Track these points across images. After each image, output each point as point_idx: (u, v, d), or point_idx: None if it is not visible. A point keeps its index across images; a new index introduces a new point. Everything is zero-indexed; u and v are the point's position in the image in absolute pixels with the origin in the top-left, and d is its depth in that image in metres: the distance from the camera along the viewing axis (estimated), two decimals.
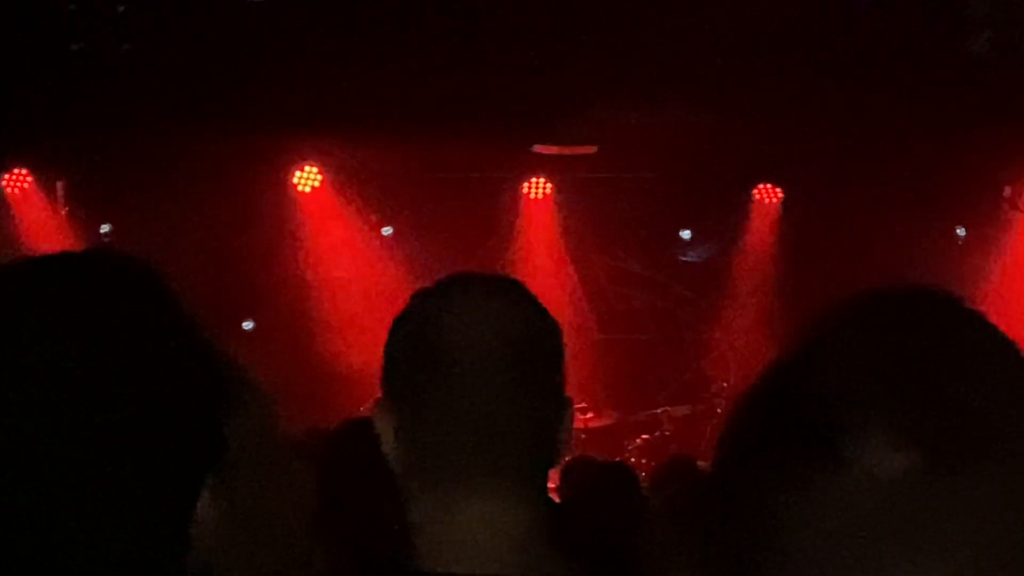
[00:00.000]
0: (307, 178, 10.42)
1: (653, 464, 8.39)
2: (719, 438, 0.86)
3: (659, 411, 10.13)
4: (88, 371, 1.26)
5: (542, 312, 1.87)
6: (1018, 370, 0.80)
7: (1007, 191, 10.45)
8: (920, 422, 0.76)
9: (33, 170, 10.03)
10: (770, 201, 10.70)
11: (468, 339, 1.79)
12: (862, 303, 0.83)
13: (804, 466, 0.77)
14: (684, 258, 10.79)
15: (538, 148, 10.18)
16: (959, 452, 0.76)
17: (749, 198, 10.72)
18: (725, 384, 10.22)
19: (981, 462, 0.76)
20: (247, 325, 9.90)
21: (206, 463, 1.32)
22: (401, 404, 1.83)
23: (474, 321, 1.81)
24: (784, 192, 10.65)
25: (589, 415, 9.75)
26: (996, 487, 0.75)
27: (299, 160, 10.37)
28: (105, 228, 9.83)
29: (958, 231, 10.51)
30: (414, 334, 1.83)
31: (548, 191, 10.63)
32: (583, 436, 9.37)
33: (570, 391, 1.88)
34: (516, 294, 1.88)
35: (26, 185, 10.05)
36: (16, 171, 10.03)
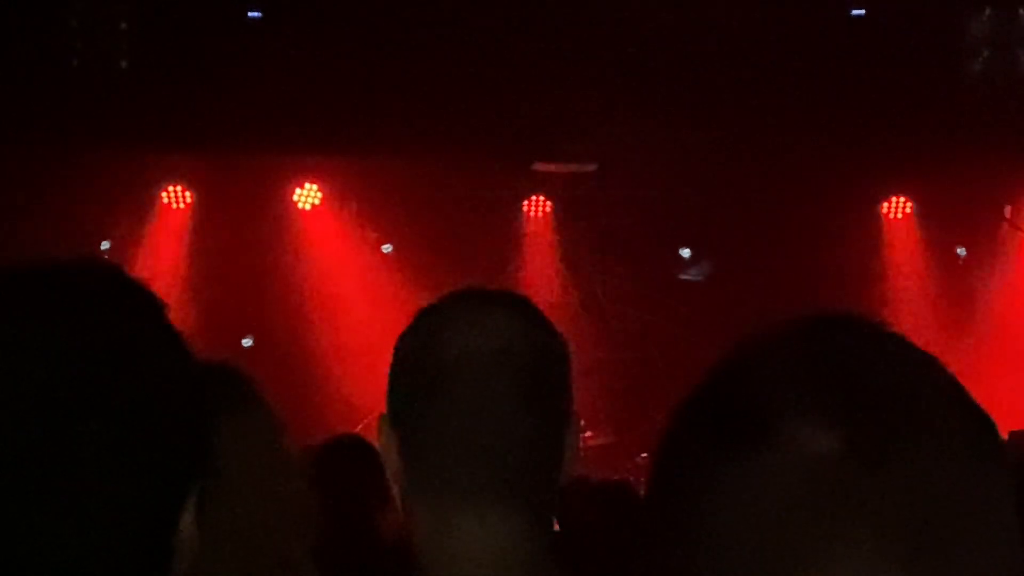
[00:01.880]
0: (307, 196, 10.42)
1: None
2: (665, 435, 0.93)
3: (659, 430, 10.11)
4: (72, 378, 1.25)
5: (548, 328, 1.85)
6: (931, 377, 0.88)
7: (1007, 210, 10.45)
8: (846, 407, 0.84)
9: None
10: (771, 218, 10.69)
11: (471, 356, 1.78)
12: (796, 322, 0.92)
13: (745, 449, 0.84)
14: (684, 276, 10.78)
15: (538, 166, 10.19)
16: (880, 434, 0.83)
17: (750, 215, 10.71)
18: None
19: (900, 445, 0.83)
20: (246, 342, 9.89)
21: (192, 476, 1.31)
22: (404, 421, 1.81)
23: (476, 335, 1.79)
24: (786, 209, 10.63)
25: (588, 433, 9.74)
26: (914, 471, 0.82)
27: (299, 178, 10.38)
28: (105, 245, 9.83)
29: (958, 251, 10.51)
30: (417, 350, 1.81)
31: (548, 209, 10.63)
32: (582, 454, 9.34)
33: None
34: (521, 310, 1.86)
35: None
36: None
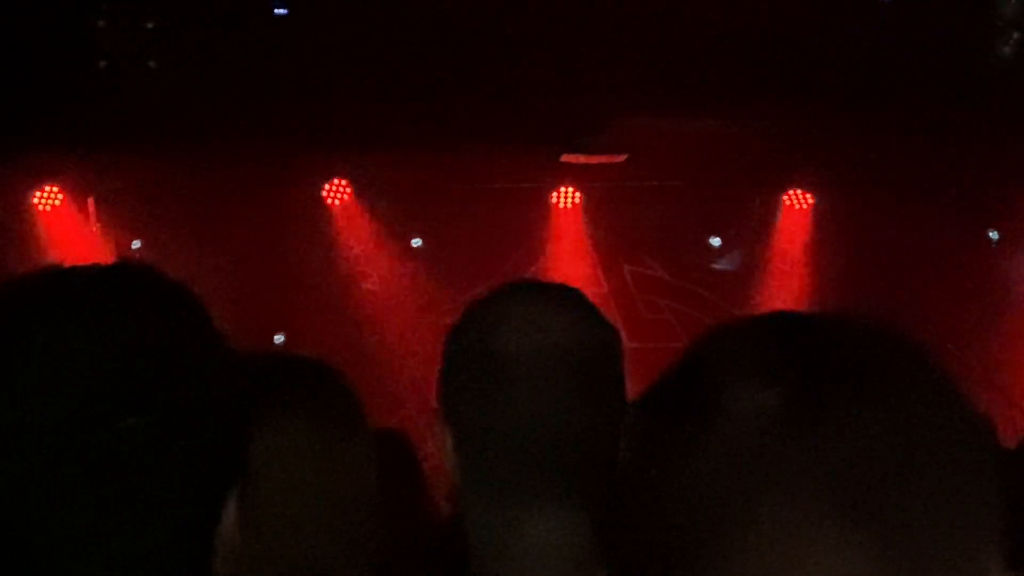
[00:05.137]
0: (336, 191, 10.44)
1: None
2: (638, 407, 1.00)
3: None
4: (112, 375, 1.25)
5: (601, 320, 1.84)
6: (898, 356, 0.93)
7: None
8: (788, 371, 0.90)
9: (64, 187, 10.08)
10: (800, 207, 10.66)
11: (527, 348, 1.76)
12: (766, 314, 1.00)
13: (699, 412, 0.91)
14: (714, 266, 10.75)
15: (566, 158, 10.17)
16: (819, 396, 0.88)
17: (779, 204, 10.69)
18: None
19: (841, 408, 0.87)
20: (278, 339, 9.91)
21: (234, 473, 1.31)
22: (459, 417, 1.80)
23: (532, 329, 1.78)
24: (814, 197, 10.61)
25: None
26: (854, 433, 0.86)
27: (328, 173, 10.39)
28: (136, 244, 9.86)
29: (991, 234, 10.45)
30: (471, 344, 1.80)
31: (577, 200, 10.62)
32: None
33: None
34: (573, 301, 1.85)
35: (57, 202, 10.10)
36: (47, 188, 10.08)
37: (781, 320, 0.96)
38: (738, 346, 0.93)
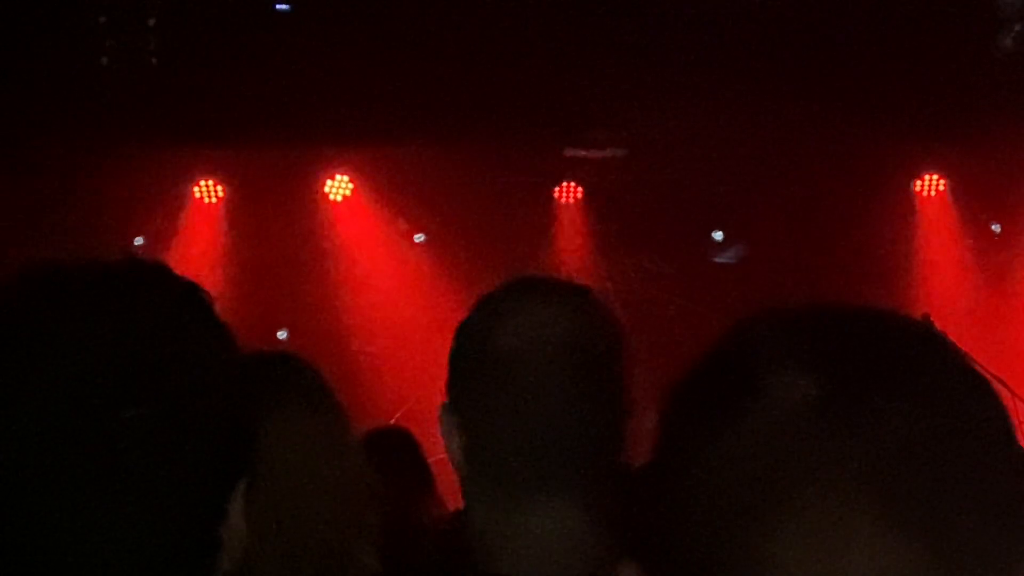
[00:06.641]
0: (338, 187, 10.44)
1: None
2: (667, 399, 0.98)
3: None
4: (116, 367, 1.26)
5: (607, 318, 1.86)
6: (923, 342, 0.93)
7: None
8: (827, 360, 0.90)
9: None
10: (802, 200, 10.65)
11: (532, 344, 1.78)
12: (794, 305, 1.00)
13: (735, 401, 0.91)
14: (717, 260, 10.75)
15: (569, 152, 10.17)
16: (858, 386, 0.88)
17: (781, 197, 10.67)
18: None
19: (879, 397, 0.88)
20: (281, 335, 9.92)
21: (239, 467, 1.32)
22: (465, 409, 1.82)
23: (539, 326, 1.79)
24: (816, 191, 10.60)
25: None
26: (893, 422, 0.87)
27: (330, 169, 10.40)
28: (139, 241, 9.87)
29: (993, 227, 10.44)
30: (478, 339, 1.82)
31: (579, 195, 10.62)
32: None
33: None
34: (581, 299, 1.87)
35: None
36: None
37: (816, 311, 0.96)
38: (773, 336, 0.93)
